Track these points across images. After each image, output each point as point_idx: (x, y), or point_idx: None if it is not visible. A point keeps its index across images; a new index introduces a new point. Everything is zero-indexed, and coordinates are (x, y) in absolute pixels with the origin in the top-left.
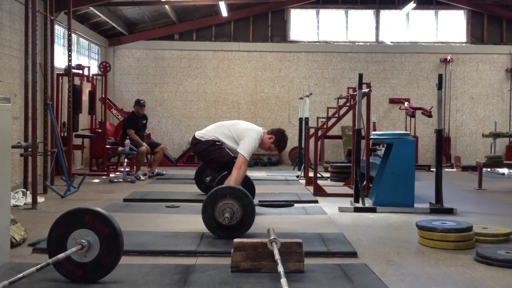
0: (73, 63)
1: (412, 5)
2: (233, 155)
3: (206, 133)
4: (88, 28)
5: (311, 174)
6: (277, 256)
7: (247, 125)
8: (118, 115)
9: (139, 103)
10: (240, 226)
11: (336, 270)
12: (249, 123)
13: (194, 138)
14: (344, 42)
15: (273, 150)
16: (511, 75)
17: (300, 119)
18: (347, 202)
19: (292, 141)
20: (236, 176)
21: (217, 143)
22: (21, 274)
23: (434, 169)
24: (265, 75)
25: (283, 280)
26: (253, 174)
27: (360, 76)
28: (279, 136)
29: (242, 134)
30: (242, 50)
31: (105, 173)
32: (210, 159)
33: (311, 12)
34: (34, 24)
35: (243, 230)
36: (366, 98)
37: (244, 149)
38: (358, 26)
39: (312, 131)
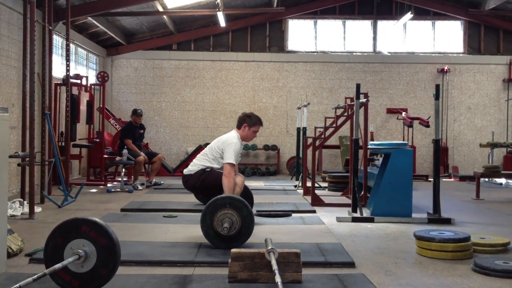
0: (71, 73)
1: (409, 15)
2: None
3: (192, 168)
4: (86, 38)
5: (309, 184)
6: (274, 267)
7: (221, 138)
8: (116, 124)
9: (136, 113)
10: (238, 237)
11: (333, 281)
12: (223, 135)
13: (184, 176)
14: (342, 52)
15: (257, 131)
16: (508, 85)
17: (298, 129)
18: (345, 212)
19: (290, 151)
20: (228, 184)
21: (206, 170)
22: (17, 285)
23: (432, 179)
24: (263, 85)
25: None
26: (251, 184)
27: (358, 86)
28: (245, 119)
29: (221, 148)
30: (240, 60)
31: (103, 183)
32: (206, 186)
33: (309, 22)
34: (32, 34)
35: (241, 241)
36: (363, 108)
37: (227, 158)
38: (355, 36)
39: (310, 141)
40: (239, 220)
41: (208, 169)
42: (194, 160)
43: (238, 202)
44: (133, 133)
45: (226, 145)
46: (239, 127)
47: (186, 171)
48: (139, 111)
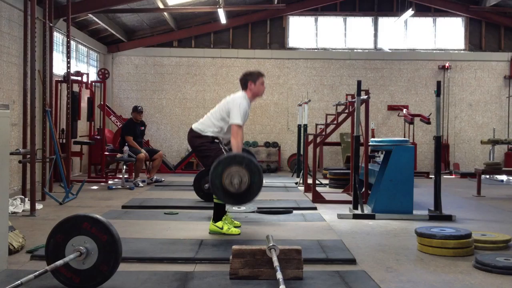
0: (72, 70)
1: (410, 12)
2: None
3: (203, 128)
4: (87, 35)
5: (310, 181)
6: (276, 263)
7: (227, 99)
8: (116, 122)
9: (136, 110)
10: (239, 198)
11: (335, 277)
12: (231, 94)
13: (191, 130)
14: (343, 49)
15: (263, 82)
16: (509, 82)
17: (299, 126)
18: (346, 209)
19: (291, 148)
20: (236, 145)
21: (215, 140)
22: (19, 281)
23: (433, 176)
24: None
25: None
26: None
27: (359, 83)
28: (247, 78)
29: (227, 107)
30: (240, 57)
31: (104, 180)
32: (206, 155)
33: (310, 19)
34: (33, 31)
35: (240, 202)
36: (364, 105)
37: (234, 118)
38: (356, 33)
39: (310, 138)
40: (247, 183)
41: (217, 141)
42: (206, 118)
43: (254, 167)
44: (134, 130)
45: (232, 105)
46: (245, 88)
47: (195, 127)
48: (139, 108)
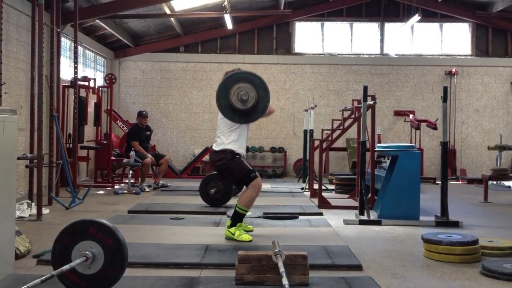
0: (79, 75)
1: (416, 17)
2: (251, 168)
3: (220, 144)
4: (94, 41)
5: (315, 186)
6: (281, 269)
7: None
8: (123, 126)
9: (141, 115)
10: (247, 114)
11: (341, 283)
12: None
13: (211, 153)
14: (349, 54)
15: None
16: None
17: (305, 131)
18: (352, 215)
19: (297, 153)
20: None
21: (236, 156)
22: (25, 286)
23: (440, 182)
24: (270, 87)
25: None
26: None
27: (365, 88)
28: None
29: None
30: (247, 63)
31: (110, 184)
32: (230, 171)
33: (316, 24)
34: (40, 36)
35: (248, 119)
36: (371, 110)
37: None
38: (362, 38)
39: (317, 143)
40: (254, 98)
41: (238, 157)
42: (218, 138)
43: (261, 82)
44: (139, 135)
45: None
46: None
47: (213, 147)
48: (144, 112)
